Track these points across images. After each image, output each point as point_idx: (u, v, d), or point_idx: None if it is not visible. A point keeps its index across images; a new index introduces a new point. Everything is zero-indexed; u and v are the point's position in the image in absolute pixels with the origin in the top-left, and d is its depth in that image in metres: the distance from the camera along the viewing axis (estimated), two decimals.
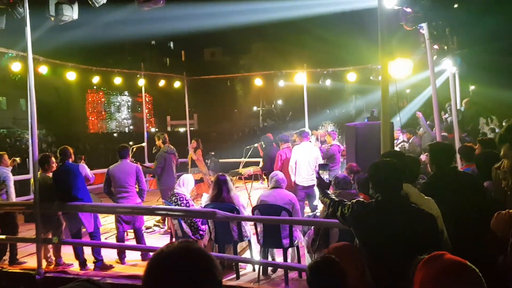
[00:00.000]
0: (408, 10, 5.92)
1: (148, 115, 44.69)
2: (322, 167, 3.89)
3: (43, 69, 10.87)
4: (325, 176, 3.80)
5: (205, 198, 8.58)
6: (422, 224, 2.95)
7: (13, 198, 6.82)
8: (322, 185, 3.74)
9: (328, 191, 3.73)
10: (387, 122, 5.05)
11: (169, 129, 50.83)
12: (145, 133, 14.58)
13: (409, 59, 7.21)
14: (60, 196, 6.29)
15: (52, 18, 5.80)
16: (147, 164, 12.40)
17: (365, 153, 6.66)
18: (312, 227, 5.10)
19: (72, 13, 5.94)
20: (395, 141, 9.60)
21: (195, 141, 10.85)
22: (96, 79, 12.64)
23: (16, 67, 9.99)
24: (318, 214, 6.15)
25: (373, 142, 6.62)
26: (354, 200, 3.29)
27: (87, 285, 1.34)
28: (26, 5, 5.79)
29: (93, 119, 47.38)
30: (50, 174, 6.54)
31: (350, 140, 7.71)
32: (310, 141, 8.58)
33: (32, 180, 6.54)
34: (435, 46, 7.63)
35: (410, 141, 10.51)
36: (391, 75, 6.10)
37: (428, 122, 10.40)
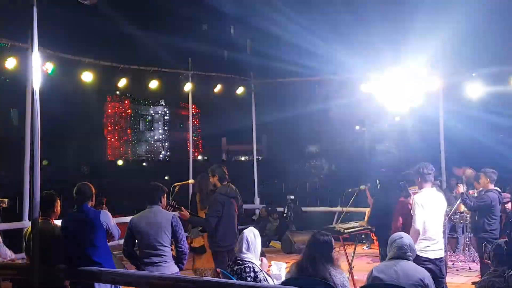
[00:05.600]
0: None
1: (194, 135, 45.68)
2: None
3: (48, 67, 11.43)
4: None
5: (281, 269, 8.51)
6: None
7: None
8: None
9: None
10: None
11: (224, 157, 51.56)
12: (190, 162, 14.88)
13: None
14: (70, 257, 6.51)
15: None
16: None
17: None
18: None
19: None
20: None
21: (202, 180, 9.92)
22: (121, 82, 13.10)
23: (9, 63, 10.56)
24: None
25: None
26: None
27: None
28: None
29: (113, 140, 48.76)
30: (54, 222, 6.80)
31: None
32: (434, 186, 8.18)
33: (28, 230, 6.81)
34: None
35: None
36: None
37: None
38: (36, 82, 6.40)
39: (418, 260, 6.91)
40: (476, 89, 13.31)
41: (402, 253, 5.82)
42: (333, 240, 5.92)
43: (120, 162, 43.60)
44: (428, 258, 7.32)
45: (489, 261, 8.43)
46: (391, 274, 5.67)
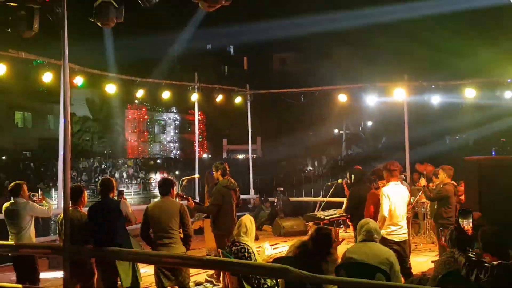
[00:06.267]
0: None
1: (199, 137, 45.92)
2: (464, 214, 3.82)
3: (78, 81, 11.50)
4: (467, 226, 3.74)
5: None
6: None
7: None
8: (463, 239, 3.65)
9: (470, 249, 3.62)
10: None
11: (225, 155, 51.66)
12: (196, 160, 14.89)
13: None
14: (95, 239, 6.54)
15: (98, 22, 6.12)
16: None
17: (493, 199, 6.36)
18: None
19: (117, 14, 6.29)
20: None
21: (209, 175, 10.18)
22: (139, 93, 13.17)
23: (46, 77, 10.64)
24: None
25: (504, 184, 6.34)
26: (495, 263, 3.18)
27: None
28: (65, 4, 6.17)
29: (132, 141, 48.95)
30: (82, 210, 6.84)
31: (471, 180, 7.41)
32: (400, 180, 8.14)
33: (60, 217, 6.82)
34: None
35: None
36: None
37: None
38: (67, 94, 6.44)
39: (386, 242, 6.94)
40: (435, 99, 13.42)
41: (370, 236, 5.81)
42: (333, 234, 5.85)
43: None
44: (394, 240, 7.31)
45: (446, 243, 8.42)
46: (362, 255, 5.66)
